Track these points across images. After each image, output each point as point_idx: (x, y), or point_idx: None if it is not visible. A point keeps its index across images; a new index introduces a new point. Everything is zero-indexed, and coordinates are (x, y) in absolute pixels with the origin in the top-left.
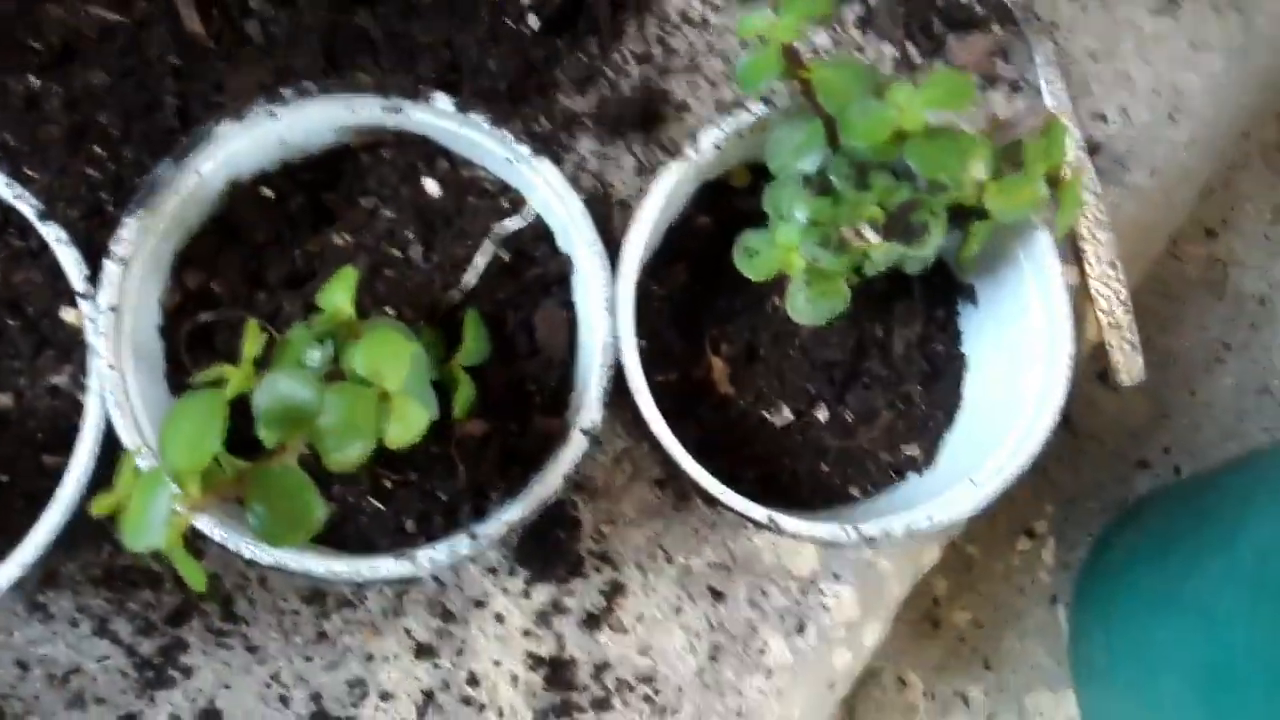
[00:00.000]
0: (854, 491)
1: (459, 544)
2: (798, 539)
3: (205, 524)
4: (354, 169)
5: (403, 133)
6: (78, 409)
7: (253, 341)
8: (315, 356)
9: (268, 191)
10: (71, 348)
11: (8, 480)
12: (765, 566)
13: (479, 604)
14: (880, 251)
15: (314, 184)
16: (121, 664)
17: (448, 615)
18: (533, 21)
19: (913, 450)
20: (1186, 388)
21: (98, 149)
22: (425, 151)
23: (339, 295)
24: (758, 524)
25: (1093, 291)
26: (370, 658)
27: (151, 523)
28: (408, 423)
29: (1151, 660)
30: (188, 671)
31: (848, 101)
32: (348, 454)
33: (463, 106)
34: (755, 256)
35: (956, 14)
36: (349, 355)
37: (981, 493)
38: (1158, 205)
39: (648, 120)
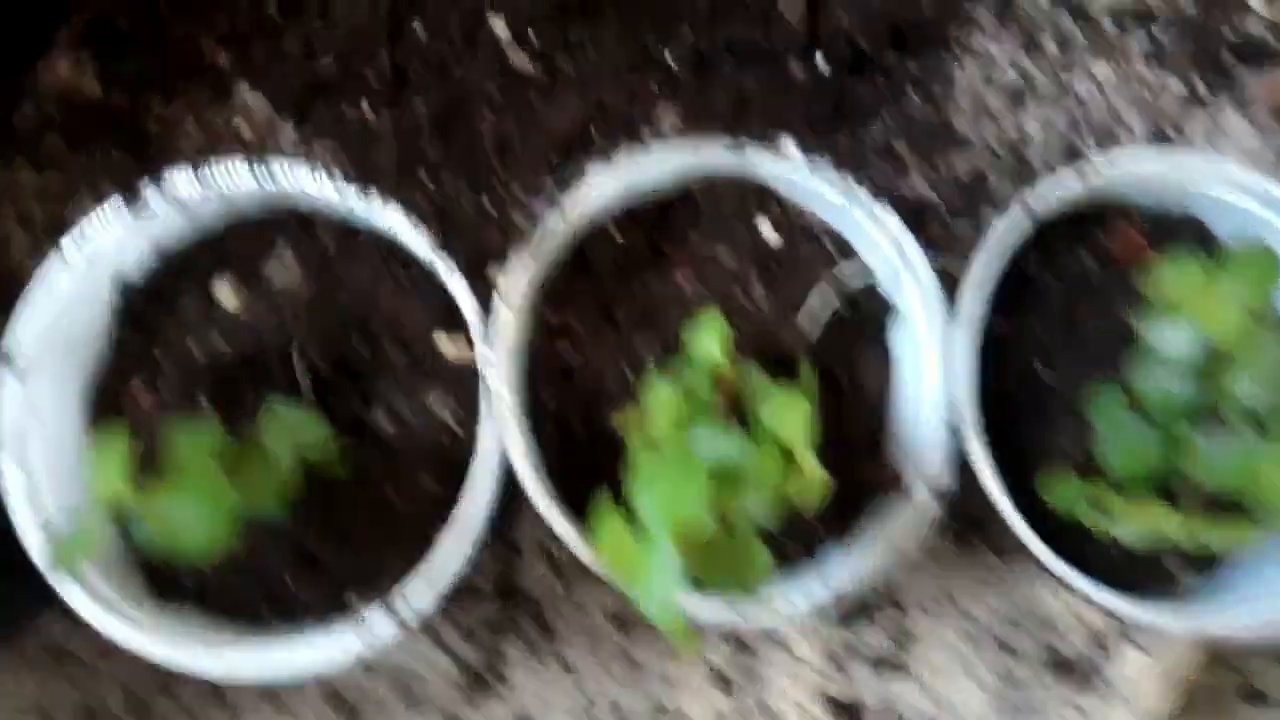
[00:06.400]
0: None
1: (813, 590)
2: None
3: None
4: (689, 211)
5: (737, 178)
6: (449, 435)
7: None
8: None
9: (614, 233)
10: (442, 372)
11: (395, 501)
12: (1051, 616)
13: (773, 639)
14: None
15: (652, 226)
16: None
17: (743, 647)
18: (821, 65)
19: None
20: None
21: (423, 176)
22: (758, 195)
23: (709, 341)
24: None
25: None
26: (670, 682)
27: (665, 599)
28: (812, 483)
29: None
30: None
31: None
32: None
33: (808, 152)
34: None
35: (1249, 47)
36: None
37: None
38: None
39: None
